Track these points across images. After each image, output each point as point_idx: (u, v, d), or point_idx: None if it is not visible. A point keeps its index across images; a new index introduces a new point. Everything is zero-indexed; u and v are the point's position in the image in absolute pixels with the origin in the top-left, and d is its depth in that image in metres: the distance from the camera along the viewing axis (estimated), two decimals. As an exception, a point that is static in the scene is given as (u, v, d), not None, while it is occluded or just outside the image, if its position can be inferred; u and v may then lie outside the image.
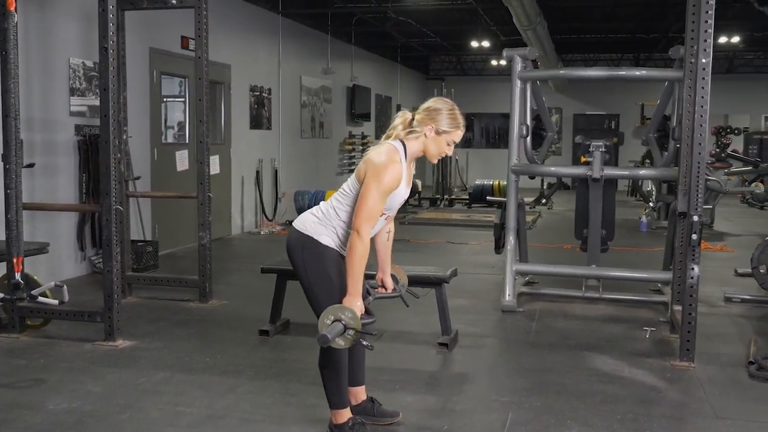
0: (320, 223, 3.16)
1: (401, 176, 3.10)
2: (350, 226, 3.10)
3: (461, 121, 3.17)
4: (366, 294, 3.25)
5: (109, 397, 3.78)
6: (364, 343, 2.99)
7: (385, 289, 3.44)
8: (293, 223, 3.25)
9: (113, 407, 3.64)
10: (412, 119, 3.17)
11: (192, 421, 3.48)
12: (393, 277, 3.49)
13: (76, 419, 3.49)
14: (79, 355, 4.50)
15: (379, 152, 3.10)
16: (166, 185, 8.04)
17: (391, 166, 3.04)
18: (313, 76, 12.47)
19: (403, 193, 3.17)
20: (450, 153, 3.22)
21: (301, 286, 3.21)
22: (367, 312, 3.12)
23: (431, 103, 3.18)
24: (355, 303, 2.99)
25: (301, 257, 3.15)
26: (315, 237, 3.14)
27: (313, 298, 3.16)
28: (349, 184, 3.16)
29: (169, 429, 3.38)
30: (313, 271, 3.13)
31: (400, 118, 3.21)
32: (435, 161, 3.26)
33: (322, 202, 3.26)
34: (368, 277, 3.24)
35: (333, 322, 2.92)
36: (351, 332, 2.92)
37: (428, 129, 3.13)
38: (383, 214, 3.14)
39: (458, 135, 3.17)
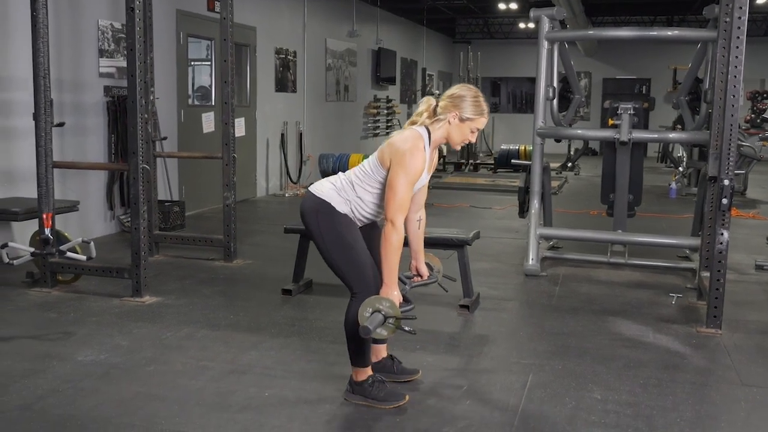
0: (336, 192, 3.16)
1: (425, 163, 3.11)
2: (367, 205, 3.14)
3: (485, 108, 3.16)
4: (402, 283, 3.25)
5: (136, 351, 3.86)
6: (407, 328, 3.01)
7: (421, 277, 3.45)
8: (309, 188, 3.25)
9: (139, 360, 3.72)
10: (436, 105, 3.16)
11: (215, 375, 3.54)
12: (428, 264, 3.50)
13: (103, 371, 3.57)
14: (108, 309, 4.59)
15: (404, 139, 3.09)
16: (192, 147, 8.09)
17: (416, 153, 3.04)
18: (338, 38, 12.39)
19: (423, 179, 3.18)
20: (473, 140, 3.22)
21: (317, 249, 3.22)
22: (405, 300, 3.14)
23: (455, 90, 3.17)
24: (392, 293, 3.01)
25: (316, 221, 3.15)
26: (331, 203, 3.14)
27: (332, 262, 3.17)
28: (371, 164, 3.16)
29: (193, 382, 3.45)
30: (329, 235, 3.13)
31: (424, 104, 3.20)
32: (458, 148, 3.26)
33: (340, 173, 3.26)
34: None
35: (372, 313, 2.94)
36: (392, 320, 2.94)
37: (452, 116, 3.12)
38: None
39: (482, 122, 3.16)
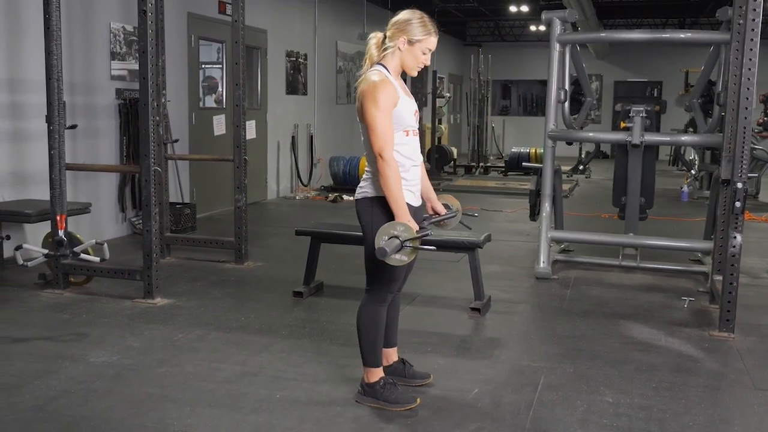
0: (372, 180, 3.13)
1: (395, 90, 3.05)
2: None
3: (432, 27, 3.11)
4: (421, 223, 3.17)
5: (147, 352, 3.87)
6: (426, 247, 2.94)
7: (438, 214, 3.38)
8: (354, 198, 3.23)
9: (151, 361, 3.74)
10: (384, 38, 3.12)
11: (226, 377, 3.55)
12: (445, 205, 3.44)
13: (115, 372, 3.59)
14: (120, 311, 4.61)
15: (364, 81, 3.05)
16: (203, 149, 8.12)
17: (380, 85, 2.99)
18: (348, 41, 12.40)
19: (408, 103, 3.12)
20: (427, 63, 3.15)
21: (363, 252, 3.19)
22: (422, 228, 3.05)
23: (399, 16, 3.12)
24: (405, 219, 2.95)
25: (371, 215, 3.10)
26: (377, 194, 3.09)
27: (369, 254, 3.11)
28: (361, 130, 3.12)
29: (204, 384, 3.45)
30: (376, 229, 3.03)
31: (373, 40, 3.16)
32: (414, 73, 3.17)
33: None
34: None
35: (389, 239, 2.88)
36: (408, 243, 2.88)
37: (401, 42, 3.08)
38: (407, 132, 3.11)
39: (432, 42, 3.11)
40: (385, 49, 3.11)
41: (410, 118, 3.14)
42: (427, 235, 3.00)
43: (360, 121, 3.09)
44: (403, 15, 3.11)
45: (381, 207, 3.08)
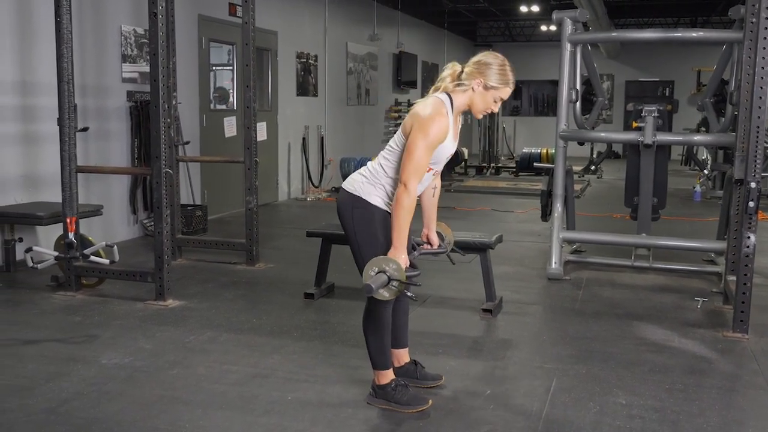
0: (369, 182, 3.13)
1: (448, 129, 3.04)
2: (396, 181, 3.06)
3: (511, 78, 3.07)
4: (411, 249, 3.22)
5: (159, 354, 3.88)
6: (409, 294, 2.96)
7: (431, 245, 3.41)
8: (342, 184, 3.23)
9: (162, 363, 3.74)
10: (461, 72, 3.09)
11: (238, 378, 3.55)
12: (439, 234, 3.46)
13: (127, 374, 3.59)
14: (131, 313, 4.62)
15: (425, 105, 3.04)
16: (214, 151, 8.14)
17: (437, 119, 2.98)
18: (359, 42, 12.41)
19: (450, 146, 3.10)
20: (496, 110, 3.14)
21: (350, 248, 3.20)
22: (412, 265, 3.08)
23: (482, 56, 3.09)
24: (399, 255, 2.95)
25: (351, 217, 3.13)
26: (364, 197, 3.11)
27: (361, 260, 3.13)
28: (396, 139, 3.12)
29: (216, 386, 3.45)
30: (363, 232, 3.11)
31: (449, 70, 3.13)
32: (480, 117, 3.17)
33: (369, 162, 3.23)
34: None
35: (377, 273, 2.90)
36: (395, 284, 2.89)
37: (476, 83, 3.05)
38: (430, 169, 3.10)
39: (506, 92, 3.08)
40: (459, 84, 3.08)
41: (443, 159, 3.14)
42: (417, 275, 3.03)
43: (402, 134, 3.07)
44: (486, 57, 3.08)
45: (363, 209, 3.10)
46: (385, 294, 2.93)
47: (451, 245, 3.54)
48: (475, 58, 3.10)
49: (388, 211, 3.11)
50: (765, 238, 7.14)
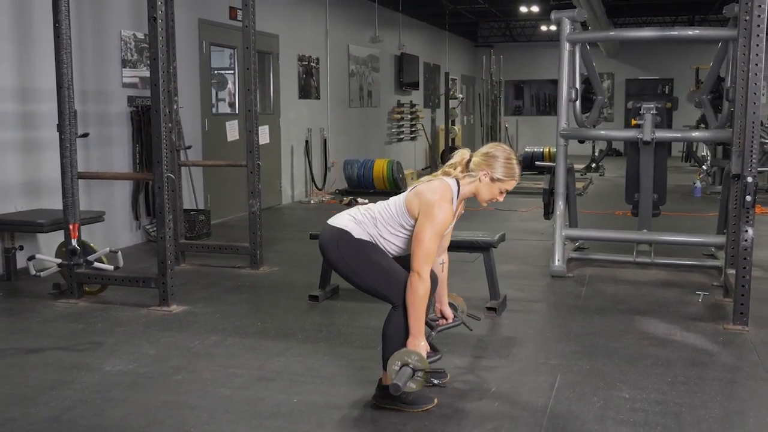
0: (356, 224, 3.17)
1: (452, 216, 3.13)
2: (389, 245, 3.15)
3: (517, 171, 3.18)
4: (428, 331, 3.25)
5: (163, 360, 3.89)
6: (435, 381, 3.04)
7: (446, 320, 3.46)
8: (328, 221, 3.26)
9: (167, 369, 3.75)
10: (469, 160, 3.18)
11: (243, 382, 3.56)
12: (451, 305, 3.51)
13: (131, 380, 3.60)
14: (135, 319, 4.63)
15: (432, 189, 3.10)
16: (217, 155, 8.16)
17: (444, 206, 3.06)
18: (360, 44, 12.43)
19: (449, 228, 3.21)
20: (501, 200, 3.24)
21: (348, 282, 3.23)
22: (433, 349, 3.15)
23: (490, 149, 3.20)
24: (419, 344, 3.02)
25: (337, 249, 3.16)
26: (349, 231, 3.15)
27: (364, 284, 3.18)
28: (397, 207, 3.16)
29: (221, 390, 3.47)
30: (353, 259, 3.14)
31: (458, 157, 3.23)
32: (485, 204, 3.28)
33: (359, 207, 3.28)
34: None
35: (401, 367, 2.96)
36: (420, 374, 2.96)
37: (483, 174, 3.15)
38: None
39: (511, 185, 3.19)
40: (468, 174, 3.18)
41: (444, 242, 3.27)
42: (439, 359, 3.12)
43: (406, 208, 3.13)
44: (494, 150, 3.18)
45: (348, 243, 3.13)
46: (412, 386, 2.98)
47: (464, 313, 3.60)
48: (483, 149, 3.21)
49: (375, 243, 3.16)
50: (763, 231, 7.14)
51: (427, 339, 3.11)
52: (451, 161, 3.25)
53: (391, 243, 3.17)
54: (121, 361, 3.85)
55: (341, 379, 3.59)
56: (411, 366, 2.96)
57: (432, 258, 3.07)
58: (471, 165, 3.18)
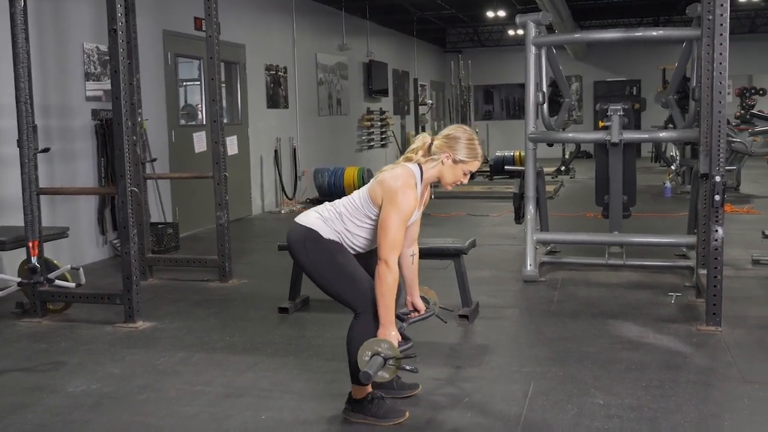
0: (324, 223, 3.11)
1: (416, 202, 3.08)
2: (356, 238, 3.10)
3: (479, 152, 3.15)
4: (399, 321, 3.20)
5: (128, 379, 3.78)
6: (408, 367, 2.98)
7: (417, 312, 3.40)
8: (295, 219, 3.20)
9: (131, 388, 3.65)
10: (431, 144, 3.14)
11: (210, 400, 3.47)
12: (423, 298, 3.45)
13: (94, 401, 3.50)
14: (100, 337, 4.51)
15: (395, 176, 3.05)
16: (185, 167, 8.04)
17: (407, 192, 3.01)
18: (328, 53, 12.38)
19: (415, 215, 3.16)
20: (465, 182, 3.19)
21: (314, 283, 3.18)
22: (404, 338, 3.10)
23: (451, 130, 3.16)
24: (389, 333, 2.97)
25: (304, 247, 3.10)
26: (317, 230, 3.10)
27: (328, 288, 3.13)
28: (361, 197, 3.11)
29: (187, 408, 3.38)
30: (320, 261, 3.09)
31: (419, 141, 3.18)
32: (449, 188, 3.24)
33: (326, 203, 3.22)
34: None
35: (372, 356, 2.90)
36: (392, 362, 2.90)
37: (445, 156, 3.11)
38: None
39: (475, 165, 3.15)
40: (430, 158, 3.13)
41: (412, 232, 3.25)
42: (410, 347, 3.05)
43: (369, 198, 3.08)
44: (455, 131, 3.15)
45: (314, 242, 3.08)
46: (385, 375, 2.93)
47: (437, 306, 3.54)
48: (444, 132, 3.17)
49: (342, 244, 3.11)
50: (734, 230, 7.19)
51: (398, 330, 3.05)
52: (412, 146, 3.21)
53: (358, 236, 3.12)
54: (85, 381, 3.74)
55: (311, 394, 3.52)
56: (382, 355, 2.89)
57: (399, 246, 3.01)
58: (433, 148, 3.13)
